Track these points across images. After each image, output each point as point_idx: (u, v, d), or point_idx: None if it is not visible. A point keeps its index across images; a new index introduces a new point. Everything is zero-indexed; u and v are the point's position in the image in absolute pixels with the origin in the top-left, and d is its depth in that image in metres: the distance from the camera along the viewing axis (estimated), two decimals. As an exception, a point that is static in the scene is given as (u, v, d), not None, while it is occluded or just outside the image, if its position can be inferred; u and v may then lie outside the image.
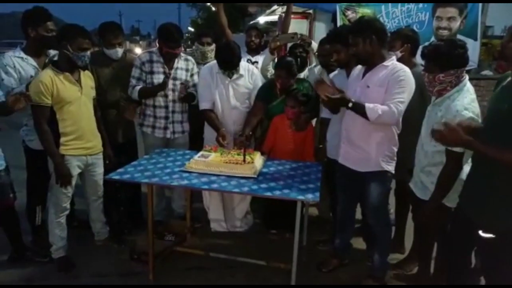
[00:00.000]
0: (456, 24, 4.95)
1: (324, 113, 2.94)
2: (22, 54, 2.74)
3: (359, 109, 2.28)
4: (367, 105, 2.25)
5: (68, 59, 2.53)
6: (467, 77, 2.10)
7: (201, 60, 3.50)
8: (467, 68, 2.15)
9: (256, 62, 3.68)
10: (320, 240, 3.23)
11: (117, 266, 2.85)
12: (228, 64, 2.98)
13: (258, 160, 2.68)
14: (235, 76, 3.08)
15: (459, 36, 4.90)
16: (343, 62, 2.75)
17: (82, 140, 2.65)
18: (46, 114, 2.51)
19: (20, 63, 2.70)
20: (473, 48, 4.93)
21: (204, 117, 3.12)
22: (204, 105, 3.09)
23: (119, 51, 3.06)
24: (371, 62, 2.35)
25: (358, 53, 2.35)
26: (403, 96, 2.23)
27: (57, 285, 2.65)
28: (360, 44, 2.30)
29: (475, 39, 4.99)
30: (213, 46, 3.51)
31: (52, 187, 2.66)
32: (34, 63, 2.75)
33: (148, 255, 2.65)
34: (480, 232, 1.78)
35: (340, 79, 2.70)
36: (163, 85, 3.06)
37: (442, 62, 2.04)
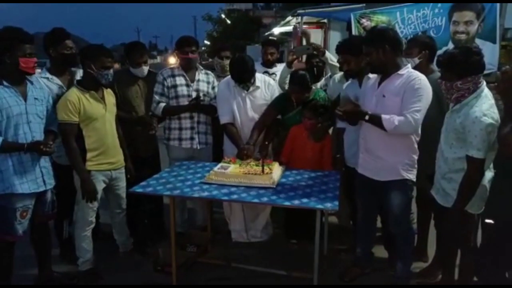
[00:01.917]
0: (473, 28, 4.88)
1: (340, 123, 2.96)
2: (48, 75, 2.85)
3: (376, 121, 2.30)
4: (383, 116, 2.27)
5: (92, 77, 2.64)
6: (484, 82, 2.09)
7: (221, 73, 3.60)
8: (487, 72, 2.14)
9: (274, 74, 3.72)
10: (342, 249, 3.22)
11: (141, 277, 2.90)
12: (241, 77, 3.04)
13: (276, 170, 2.71)
14: (251, 88, 3.13)
15: (477, 40, 4.83)
16: (354, 72, 2.78)
17: (106, 155, 2.75)
18: (74, 131, 2.61)
19: (46, 83, 2.80)
20: (492, 51, 4.84)
21: (225, 131, 3.17)
22: (224, 119, 3.14)
23: (145, 69, 3.17)
24: (385, 71, 2.36)
25: (371, 63, 2.37)
26: (420, 104, 2.22)
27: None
28: (374, 54, 2.32)
29: (494, 42, 4.90)
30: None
31: (78, 202, 2.75)
32: (59, 82, 2.86)
33: (171, 266, 2.71)
34: (486, 220, 1.96)
35: (353, 89, 2.72)
36: (190, 107, 3.15)
37: (459, 70, 2.04)
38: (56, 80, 2.86)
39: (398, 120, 2.23)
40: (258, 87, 3.17)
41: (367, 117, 2.33)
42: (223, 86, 3.20)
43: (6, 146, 2.29)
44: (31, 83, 2.47)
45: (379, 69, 2.39)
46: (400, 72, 2.32)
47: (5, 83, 2.32)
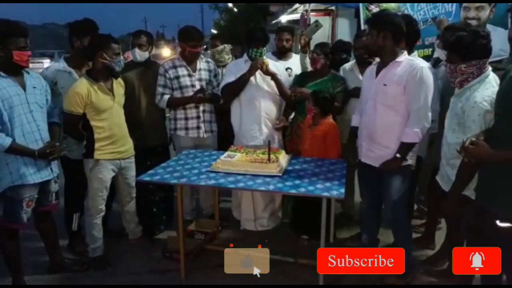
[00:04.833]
0: (485, 13, 4.77)
1: (354, 121, 2.83)
2: (67, 67, 2.85)
3: (405, 148, 2.37)
4: (403, 138, 2.35)
5: (104, 67, 2.65)
6: (490, 68, 2.06)
7: (216, 62, 3.63)
8: (498, 58, 2.10)
9: (290, 68, 3.62)
10: (348, 237, 3.23)
11: (150, 264, 2.97)
12: (261, 36, 3.07)
13: (283, 158, 2.72)
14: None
15: (488, 26, 4.73)
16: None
17: (115, 145, 2.78)
18: (78, 121, 2.66)
19: (64, 76, 2.82)
20: (504, 37, 4.73)
21: (228, 84, 3.12)
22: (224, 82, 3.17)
23: (143, 52, 3.18)
24: (382, 57, 2.38)
25: (369, 44, 2.38)
26: (421, 96, 2.28)
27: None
28: (374, 37, 2.33)
29: (506, 28, 4.80)
30: (222, 46, 3.74)
31: (89, 191, 2.80)
32: (77, 77, 2.84)
33: (180, 253, 2.75)
34: (497, 222, 1.77)
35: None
36: (195, 99, 3.19)
37: (464, 52, 2.01)
38: (74, 75, 2.85)
39: (414, 127, 2.32)
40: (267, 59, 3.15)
41: (398, 155, 2.37)
42: (232, 65, 3.29)
43: (14, 149, 2.30)
44: (27, 72, 2.46)
45: (375, 52, 2.41)
46: (398, 59, 2.33)
47: (2, 73, 2.32)
